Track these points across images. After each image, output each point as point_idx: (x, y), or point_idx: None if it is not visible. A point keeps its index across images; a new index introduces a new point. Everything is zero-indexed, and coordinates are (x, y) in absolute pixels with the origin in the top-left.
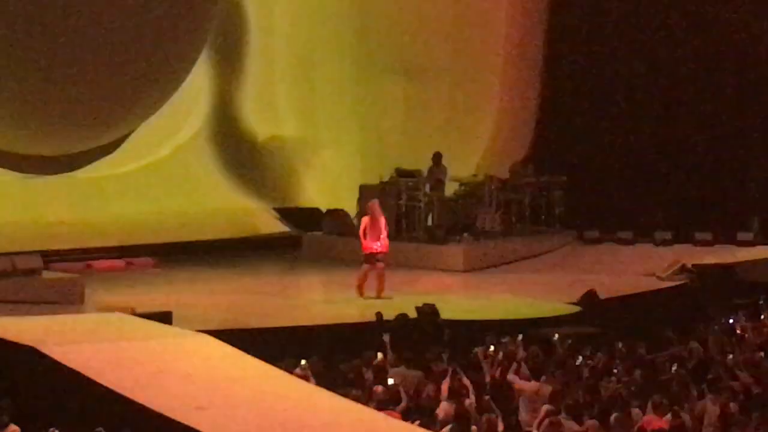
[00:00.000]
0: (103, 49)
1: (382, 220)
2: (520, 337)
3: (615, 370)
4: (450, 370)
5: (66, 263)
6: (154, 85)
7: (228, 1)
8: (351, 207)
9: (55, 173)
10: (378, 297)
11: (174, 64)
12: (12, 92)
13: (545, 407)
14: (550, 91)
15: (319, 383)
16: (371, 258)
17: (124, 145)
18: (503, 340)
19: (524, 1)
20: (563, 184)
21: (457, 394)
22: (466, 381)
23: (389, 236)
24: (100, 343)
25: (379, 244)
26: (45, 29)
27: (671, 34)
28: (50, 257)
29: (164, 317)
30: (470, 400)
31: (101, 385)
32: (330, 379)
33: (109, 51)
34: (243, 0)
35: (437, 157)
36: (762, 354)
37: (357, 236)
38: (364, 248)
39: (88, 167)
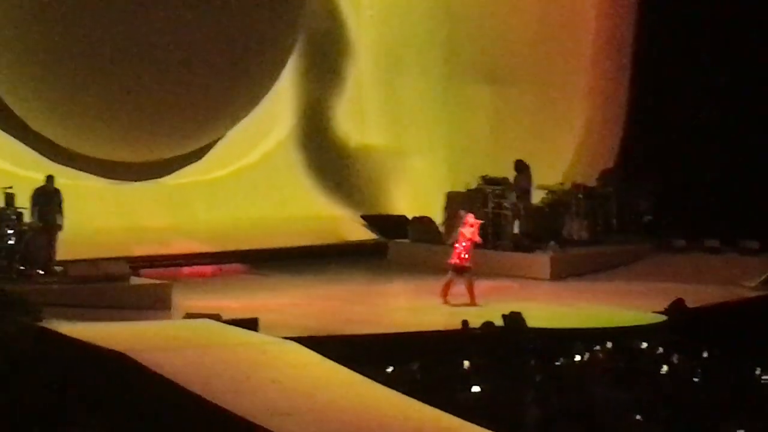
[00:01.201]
0: (192, 55)
1: (459, 232)
2: (609, 345)
3: (700, 381)
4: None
5: (154, 269)
6: (242, 91)
7: (318, 8)
8: (437, 214)
9: (145, 179)
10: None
11: (262, 70)
12: (101, 99)
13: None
14: (638, 99)
15: (404, 391)
16: (451, 268)
17: (213, 152)
18: (594, 349)
19: (612, 7)
20: (650, 193)
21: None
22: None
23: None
24: (186, 349)
25: (458, 256)
26: (134, 37)
27: (765, 36)
28: (139, 263)
29: (251, 324)
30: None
31: (188, 391)
32: (416, 386)
33: (198, 57)
34: (333, 7)
35: (520, 165)
36: None
37: (446, 244)
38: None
39: (177, 173)
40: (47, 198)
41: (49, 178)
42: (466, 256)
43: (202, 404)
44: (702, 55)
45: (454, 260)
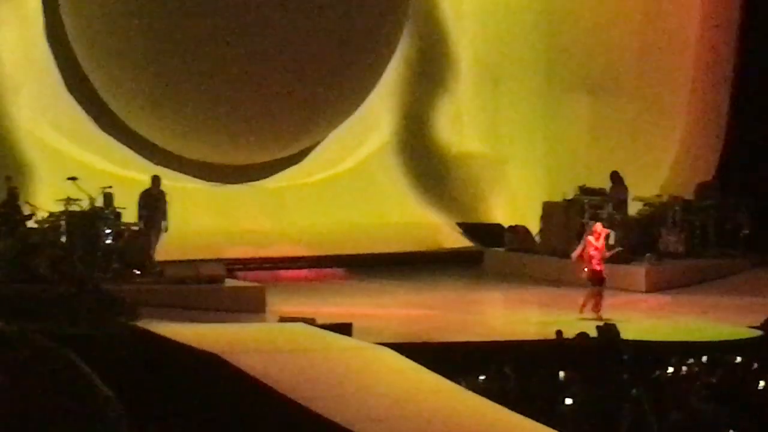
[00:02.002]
0: (291, 59)
1: (586, 240)
2: (705, 359)
3: None
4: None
5: (250, 272)
6: (342, 95)
7: (420, 15)
8: (534, 223)
9: (244, 182)
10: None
11: (362, 74)
12: (201, 103)
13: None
14: (738, 112)
15: (497, 400)
16: (588, 278)
17: (312, 155)
18: (688, 362)
19: (715, 20)
20: (749, 206)
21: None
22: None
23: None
24: (280, 352)
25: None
26: (235, 39)
27: None
28: (235, 266)
29: (344, 329)
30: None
31: (281, 395)
32: (509, 396)
33: (298, 61)
34: (435, 14)
35: (615, 176)
36: None
37: (539, 252)
38: None
39: (276, 176)
40: (153, 200)
41: (155, 180)
42: (599, 266)
43: (293, 408)
44: None
45: (591, 269)
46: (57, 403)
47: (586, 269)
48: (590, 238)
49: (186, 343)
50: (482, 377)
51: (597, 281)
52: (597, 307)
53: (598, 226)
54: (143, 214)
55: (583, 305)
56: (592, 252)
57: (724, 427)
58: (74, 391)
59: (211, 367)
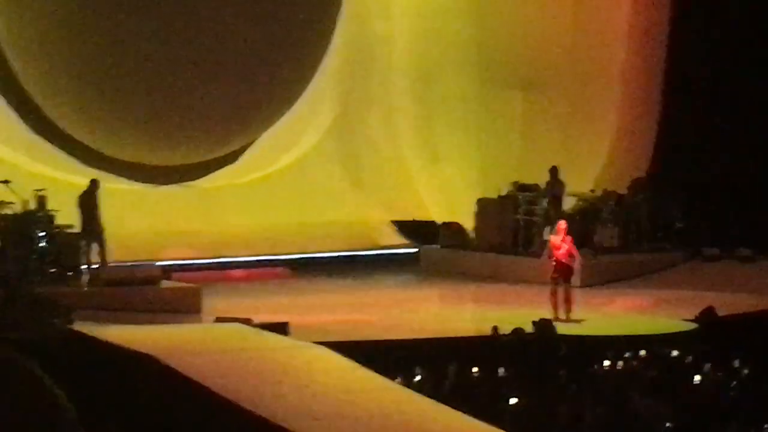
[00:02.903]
0: (224, 59)
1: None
2: (642, 353)
3: (732, 389)
4: None
5: (186, 273)
6: (274, 95)
7: (353, 14)
8: (468, 220)
9: (178, 183)
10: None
11: (294, 74)
12: (134, 103)
13: (666, 425)
14: (670, 107)
15: (433, 397)
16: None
17: (247, 155)
18: (625, 357)
19: (645, 16)
20: (682, 201)
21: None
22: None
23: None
24: (217, 353)
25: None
26: (166, 40)
27: None
28: (171, 267)
29: (281, 328)
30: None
31: (218, 395)
32: (445, 392)
33: (230, 61)
34: (366, 14)
35: (554, 172)
36: None
37: (474, 249)
38: None
39: (211, 177)
40: (90, 202)
41: (93, 182)
42: (565, 260)
43: (231, 407)
44: (735, 64)
45: (559, 264)
46: (19, 411)
47: (554, 266)
48: (553, 237)
49: (122, 344)
50: (419, 374)
51: (565, 277)
52: (567, 306)
53: (562, 223)
54: (81, 215)
55: (556, 307)
56: (559, 251)
57: (662, 421)
58: (33, 398)
59: (146, 368)
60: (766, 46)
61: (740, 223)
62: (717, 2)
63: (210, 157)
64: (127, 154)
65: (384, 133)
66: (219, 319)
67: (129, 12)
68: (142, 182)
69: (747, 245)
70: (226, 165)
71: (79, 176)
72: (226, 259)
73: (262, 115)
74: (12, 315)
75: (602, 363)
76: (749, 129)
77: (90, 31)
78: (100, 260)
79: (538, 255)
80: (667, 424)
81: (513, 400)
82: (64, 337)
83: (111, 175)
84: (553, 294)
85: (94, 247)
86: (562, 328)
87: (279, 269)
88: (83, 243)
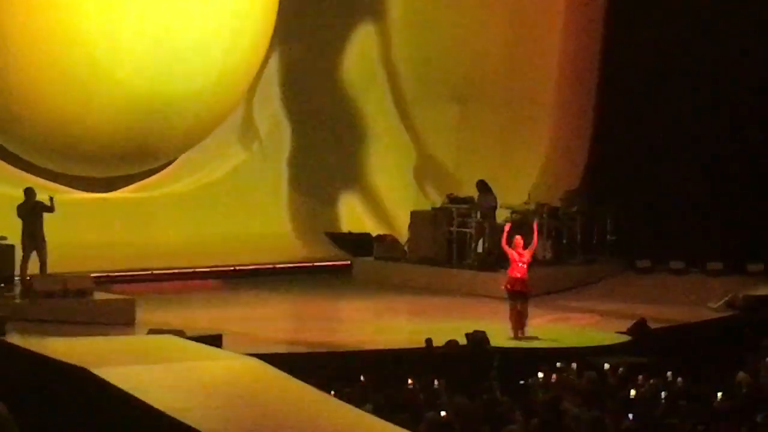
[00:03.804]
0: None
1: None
2: (574, 365)
3: (664, 400)
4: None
5: (118, 284)
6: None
7: (288, 25)
8: (402, 232)
9: (110, 192)
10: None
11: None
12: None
13: None
14: (603, 120)
15: (367, 409)
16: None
17: (178, 167)
18: (557, 366)
19: (578, 29)
20: (615, 213)
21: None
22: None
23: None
24: (149, 364)
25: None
26: (96, 47)
27: (729, 60)
28: (103, 278)
29: (214, 340)
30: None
31: (151, 407)
32: (379, 404)
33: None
34: (302, 24)
35: (481, 185)
36: None
37: (407, 261)
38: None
39: (141, 188)
40: (28, 213)
41: (28, 192)
42: (520, 277)
43: (163, 420)
44: (668, 77)
45: (514, 280)
46: None
47: (509, 283)
48: (513, 252)
49: (53, 357)
50: (352, 387)
51: (521, 293)
52: (521, 323)
53: (518, 239)
54: (23, 227)
55: (516, 326)
56: (518, 264)
57: None
58: None
59: (79, 380)
60: (699, 59)
61: (672, 235)
62: (650, 15)
63: (140, 170)
64: (57, 165)
65: (318, 144)
66: (152, 331)
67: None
68: (74, 192)
69: (679, 258)
70: (161, 177)
71: (12, 186)
72: (160, 270)
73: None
74: None
75: (536, 375)
76: (683, 142)
77: (21, 37)
78: (40, 271)
79: (473, 267)
80: None
81: (443, 412)
82: None
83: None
84: (514, 310)
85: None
86: (496, 341)
87: (210, 281)
88: (24, 254)
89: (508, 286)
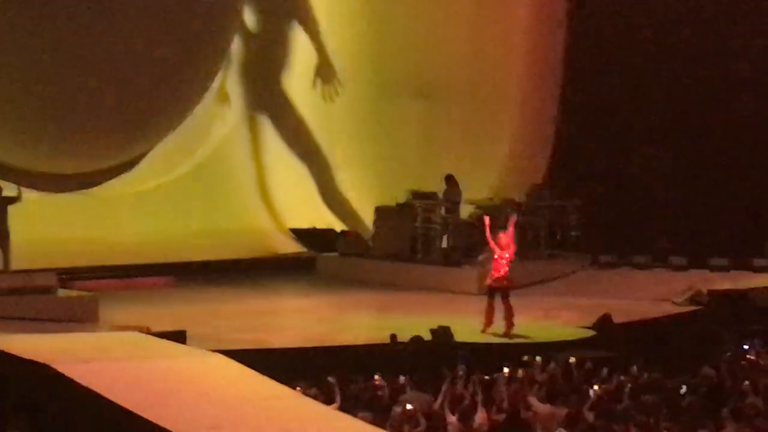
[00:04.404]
0: (119, 66)
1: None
2: (538, 359)
3: (628, 395)
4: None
5: (82, 281)
6: (171, 103)
7: (252, 22)
8: (367, 228)
9: (73, 191)
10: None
11: (191, 82)
12: (29, 111)
13: (560, 431)
14: (568, 115)
15: (332, 404)
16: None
17: (142, 164)
18: (523, 359)
19: (542, 23)
20: (579, 208)
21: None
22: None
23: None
24: (114, 361)
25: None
26: (62, 51)
27: (691, 56)
28: (67, 275)
29: (179, 336)
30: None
31: (115, 404)
32: (344, 400)
33: (125, 68)
34: (267, 21)
35: (450, 180)
36: None
37: (372, 257)
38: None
39: (106, 185)
40: None
41: None
42: (503, 272)
43: (128, 417)
44: (632, 72)
45: (491, 279)
46: None
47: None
48: (496, 246)
49: (17, 354)
50: (317, 382)
51: (502, 289)
52: (509, 321)
53: (503, 236)
54: None
55: (490, 322)
56: (501, 260)
57: (559, 427)
58: None
59: (43, 377)
60: (663, 55)
61: (636, 230)
62: (614, 10)
63: (106, 165)
64: (22, 162)
65: (282, 140)
66: (116, 328)
67: (22, 18)
68: (39, 190)
69: (642, 252)
70: (125, 173)
71: None
72: (124, 267)
73: (160, 122)
74: None
75: (501, 370)
76: (647, 137)
77: None
78: (3, 267)
79: (437, 263)
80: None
81: (409, 406)
82: None
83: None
84: (490, 306)
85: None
86: (461, 336)
87: (175, 278)
88: None
89: (491, 282)
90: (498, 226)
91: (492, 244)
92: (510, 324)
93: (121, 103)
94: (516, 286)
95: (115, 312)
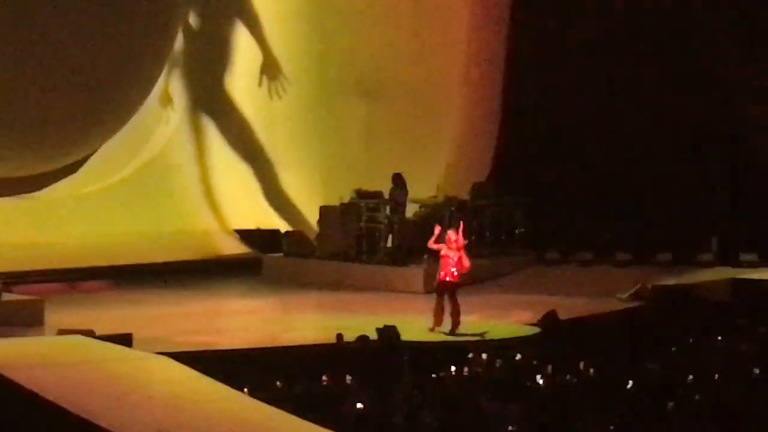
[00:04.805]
0: (63, 68)
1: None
2: (485, 356)
3: (576, 391)
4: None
5: (25, 286)
6: (114, 105)
7: (195, 23)
8: (311, 228)
9: (15, 194)
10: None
11: (135, 84)
12: None
13: (510, 429)
14: (511, 112)
15: (279, 405)
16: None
17: (85, 167)
18: (468, 358)
19: (484, 21)
20: (524, 205)
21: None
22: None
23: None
24: (60, 366)
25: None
26: (4, 51)
27: (635, 55)
28: (9, 280)
29: (125, 339)
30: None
31: (62, 408)
32: (291, 400)
33: (69, 70)
34: (209, 21)
35: (398, 179)
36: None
37: (316, 257)
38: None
39: (48, 189)
40: None
41: None
42: (455, 271)
43: (75, 421)
44: (575, 68)
45: (441, 277)
46: None
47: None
48: (443, 246)
49: None
50: (264, 383)
51: (451, 285)
52: (456, 318)
53: (451, 233)
54: None
55: (440, 321)
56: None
57: (507, 424)
58: None
59: None
60: (608, 50)
61: (581, 227)
62: (557, 4)
63: (47, 169)
64: None
65: (226, 140)
66: (62, 332)
67: None
68: None
69: (587, 249)
70: (66, 176)
71: None
72: (66, 270)
73: (101, 126)
74: None
75: (448, 368)
76: (589, 134)
77: None
78: None
79: (383, 262)
80: (511, 428)
81: (359, 405)
82: None
83: None
84: (439, 304)
85: None
86: (407, 335)
87: (118, 281)
88: None
89: (440, 280)
90: (446, 225)
91: (434, 248)
92: (456, 322)
93: (63, 107)
94: (463, 284)
95: (60, 316)
